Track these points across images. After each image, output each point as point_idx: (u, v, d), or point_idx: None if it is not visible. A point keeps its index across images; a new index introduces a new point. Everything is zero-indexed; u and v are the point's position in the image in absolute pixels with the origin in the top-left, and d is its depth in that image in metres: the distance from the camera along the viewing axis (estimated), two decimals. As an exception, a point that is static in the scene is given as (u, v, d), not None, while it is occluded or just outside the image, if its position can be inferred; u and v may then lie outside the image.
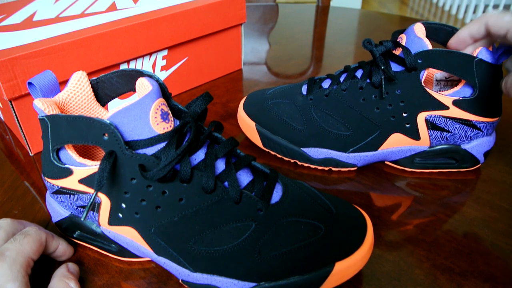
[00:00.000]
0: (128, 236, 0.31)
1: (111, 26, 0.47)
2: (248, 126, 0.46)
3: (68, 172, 0.30)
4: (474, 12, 2.59)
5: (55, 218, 0.34)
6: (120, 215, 0.30)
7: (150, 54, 0.53)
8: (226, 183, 0.29)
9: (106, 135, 0.26)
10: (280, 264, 0.28)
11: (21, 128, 0.45)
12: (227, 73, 0.66)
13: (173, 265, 0.30)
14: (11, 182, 0.43)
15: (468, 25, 0.38)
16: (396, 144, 0.41)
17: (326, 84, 0.43)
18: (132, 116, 0.27)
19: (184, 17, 0.54)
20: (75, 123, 0.27)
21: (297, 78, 0.65)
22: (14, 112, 0.43)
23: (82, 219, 0.26)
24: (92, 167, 0.29)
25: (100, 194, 0.29)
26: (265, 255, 0.28)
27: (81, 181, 0.30)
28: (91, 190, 0.30)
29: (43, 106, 0.28)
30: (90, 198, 0.27)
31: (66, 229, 0.34)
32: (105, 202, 0.30)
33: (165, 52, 0.55)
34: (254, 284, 0.29)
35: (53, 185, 0.32)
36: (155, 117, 0.27)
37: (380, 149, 0.42)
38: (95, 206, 0.30)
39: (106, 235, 0.32)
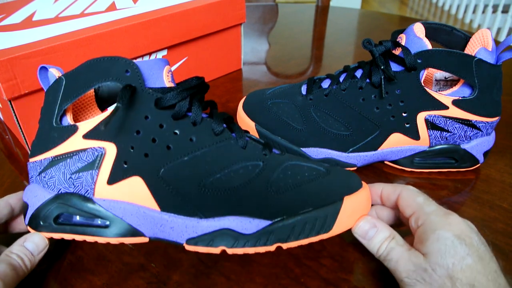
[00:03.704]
0: (128, 196, 0.29)
1: (111, 26, 0.47)
2: (247, 126, 0.46)
3: (72, 130, 0.30)
4: (474, 12, 2.59)
5: (36, 204, 0.30)
6: (126, 165, 0.29)
7: (150, 54, 0.53)
8: (233, 134, 0.31)
9: (129, 71, 0.29)
10: (293, 198, 0.29)
11: (20, 128, 0.45)
12: (227, 73, 0.66)
13: (179, 219, 0.29)
14: (11, 182, 0.43)
15: (384, 184, 0.33)
16: (396, 144, 0.41)
17: (325, 84, 0.43)
18: (149, 68, 0.30)
19: (184, 17, 0.54)
20: (98, 64, 0.29)
21: (297, 78, 0.65)
22: (14, 112, 0.43)
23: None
24: (96, 118, 0.29)
25: (105, 144, 0.29)
26: (276, 190, 0.29)
27: (86, 135, 0.30)
28: (96, 143, 0.29)
29: (58, 74, 0.31)
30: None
31: (45, 217, 0.30)
32: (109, 153, 0.29)
33: (164, 52, 0.55)
34: (269, 221, 0.29)
35: (44, 159, 0.30)
36: (167, 76, 0.30)
37: (379, 149, 0.42)
38: (96, 163, 0.29)
39: (100, 205, 0.30)
